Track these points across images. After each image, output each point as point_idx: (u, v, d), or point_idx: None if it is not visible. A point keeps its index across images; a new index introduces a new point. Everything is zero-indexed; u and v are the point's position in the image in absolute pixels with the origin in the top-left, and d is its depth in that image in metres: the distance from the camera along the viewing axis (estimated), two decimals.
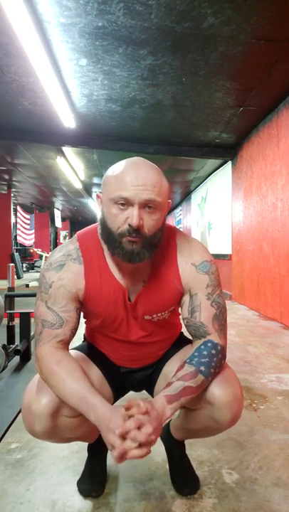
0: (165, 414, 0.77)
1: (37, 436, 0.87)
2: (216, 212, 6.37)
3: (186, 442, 1.16)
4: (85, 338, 1.14)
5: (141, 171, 0.80)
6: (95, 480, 1.11)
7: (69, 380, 0.81)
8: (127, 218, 0.80)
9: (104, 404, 0.78)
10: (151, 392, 1.11)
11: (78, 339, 1.15)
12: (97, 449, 1.12)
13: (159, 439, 1.32)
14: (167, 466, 1.17)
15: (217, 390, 0.86)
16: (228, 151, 5.23)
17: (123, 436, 0.69)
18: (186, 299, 0.94)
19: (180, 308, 0.99)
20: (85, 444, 1.15)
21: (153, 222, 0.82)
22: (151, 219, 0.81)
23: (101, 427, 0.74)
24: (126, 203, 0.79)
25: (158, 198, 0.80)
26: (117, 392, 1.07)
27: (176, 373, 0.85)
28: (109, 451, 1.21)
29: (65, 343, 0.90)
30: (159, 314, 0.96)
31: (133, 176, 0.79)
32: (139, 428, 0.69)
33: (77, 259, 0.91)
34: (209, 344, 0.88)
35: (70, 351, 0.96)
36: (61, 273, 0.89)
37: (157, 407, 0.76)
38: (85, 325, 1.10)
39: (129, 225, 0.79)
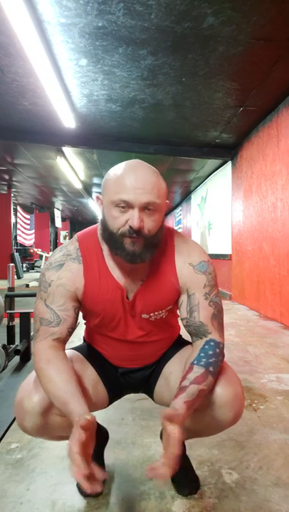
0: (185, 422, 0.76)
1: (28, 432, 0.88)
2: (216, 212, 6.37)
3: (186, 442, 1.16)
4: (84, 339, 1.15)
5: (140, 173, 0.83)
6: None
7: (56, 381, 0.81)
8: (127, 220, 0.82)
9: (79, 413, 0.75)
10: (150, 393, 1.11)
11: (79, 340, 1.15)
12: (95, 449, 1.12)
13: (158, 438, 1.33)
14: None
15: (219, 389, 0.86)
16: (228, 151, 5.23)
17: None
18: (183, 298, 0.95)
19: (178, 310, 1.00)
20: None
21: (153, 223, 0.84)
22: (151, 220, 0.83)
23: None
24: (126, 205, 0.81)
25: (157, 200, 0.83)
26: (113, 393, 1.07)
27: (187, 375, 0.84)
28: (106, 452, 1.22)
29: (61, 342, 0.90)
30: (156, 313, 0.96)
31: (132, 179, 0.81)
32: (84, 447, 0.68)
33: (77, 258, 0.92)
34: (212, 343, 0.89)
35: (67, 351, 0.97)
36: (60, 272, 0.91)
37: (182, 416, 0.74)
38: (84, 326, 1.10)
39: (130, 227, 0.81)
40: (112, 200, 0.83)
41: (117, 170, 0.85)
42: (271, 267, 3.90)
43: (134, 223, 0.80)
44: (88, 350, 1.07)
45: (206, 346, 0.89)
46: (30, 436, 0.90)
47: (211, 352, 0.88)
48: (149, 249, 0.85)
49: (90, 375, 1.00)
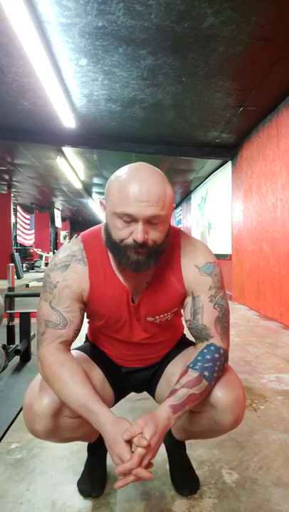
0: (169, 424, 0.79)
1: (38, 435, 0.87)
2: (216, 212, 6.37)
3: (187, 442, 1.17)
4: (87, 338, 1.14)
5: (145, 183, 0.77)
6: (95, 480, 1.10)
7: (71, 384, 0.81)
8: (131, 232, 0.79)
9: (106, 413, 0.79)
10: (152, 392, 1.11)
11: (79, 340, 1.15)
12: (97, 449, 1.12)
13: None
14: (167, 466, 1.17)
15: (220, 393, 0.86)
16: (228, 151, 5.23)
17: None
18: (188, 300, 0.93)
19: (182, 310, 0.99)
20: (86, 444, 1.15)
21: (158, 233, 0.81)
22: (157, 231, 0.81)
23: (106, 442, 0.77)
24: (130, 218, 0.78)
25: (162, 212, 0.79)
26: (118, 393, 1.07)
27: (180, 379, 0.84)
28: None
29: (68, 344, 0.90)
30: (161, 316, 0.95)
31: (136, 190, 0.76)
32: (141, 462, 0.73)
33: (82, 260, 0.90)
34: (212, 348, 0.88)
35: (72, 352, 0.96)
36: (66, 273, 0.89)
37: (162, 419, 0.78)
38: (87, 325, 1.10)
39: (134, 240, 0.78)
40: (115, 212, 0.79)
41: (121, 176, 0.80)
42: (271, 267, 3.90)
43: (138, 237, 0.77)
44: (93, 350, 1.06)
45: (205, 350, 0.88)
46: (40, 439, 0.89)
47: (208, 356, 0.86)
48: (154, 258, 0.83)
49: (97, 375, 0.99)
